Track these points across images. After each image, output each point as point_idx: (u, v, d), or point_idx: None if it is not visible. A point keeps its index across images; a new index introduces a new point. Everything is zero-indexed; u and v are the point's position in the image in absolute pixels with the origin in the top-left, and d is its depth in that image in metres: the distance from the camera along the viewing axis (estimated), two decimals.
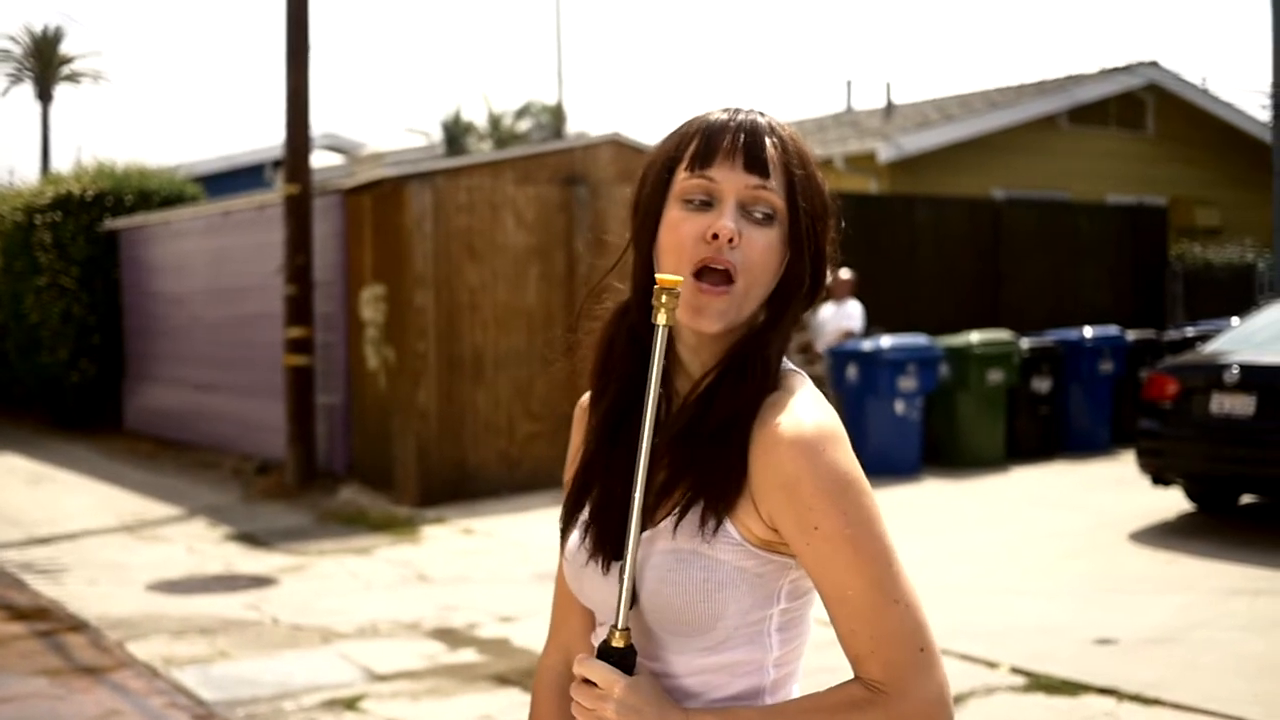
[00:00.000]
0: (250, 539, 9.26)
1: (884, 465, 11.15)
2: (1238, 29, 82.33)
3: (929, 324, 12.65)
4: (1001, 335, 11.88)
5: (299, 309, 11.14)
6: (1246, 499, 9.38)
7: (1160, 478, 9.14)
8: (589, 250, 10.57)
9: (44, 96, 41.36)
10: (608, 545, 1.50)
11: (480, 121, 38.03)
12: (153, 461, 13.25)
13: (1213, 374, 8.68)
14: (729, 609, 1.44)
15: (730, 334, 1.50)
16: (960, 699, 5.34)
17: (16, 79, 41.78)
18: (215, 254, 13.64)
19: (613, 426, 1.55)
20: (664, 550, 1.46)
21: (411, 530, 9.34)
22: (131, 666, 6.10)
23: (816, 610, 1.53)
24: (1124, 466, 10.73)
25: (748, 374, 1.47)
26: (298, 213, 11.10)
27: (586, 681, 1.44)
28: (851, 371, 11.31)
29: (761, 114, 1.54)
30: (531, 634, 6.41)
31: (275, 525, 9.77)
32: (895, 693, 1.40)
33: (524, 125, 37.63)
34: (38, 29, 41.24)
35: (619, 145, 11.33)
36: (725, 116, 1.52)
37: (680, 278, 1.43)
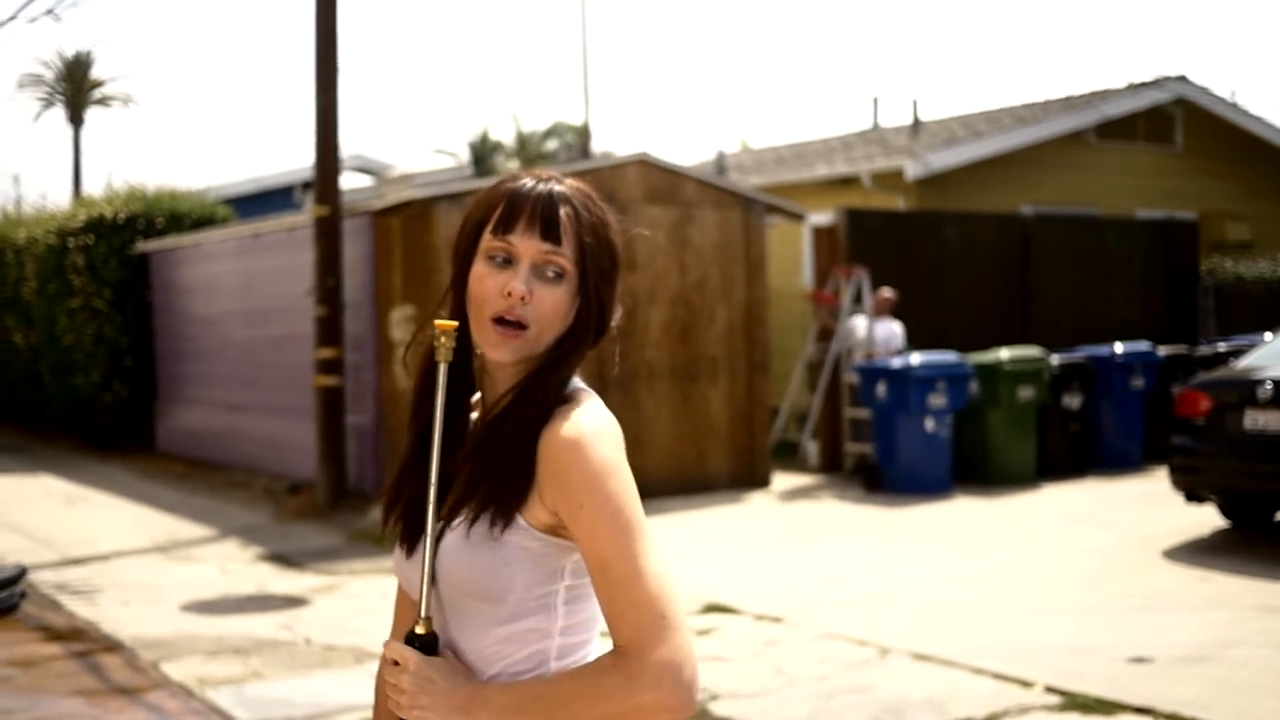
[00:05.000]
0: (282, 559, 9.30)
1: (914, 483, 11.12)
2: (1266, 42, 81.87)
3: (958, 341, 12.61)
4: (1032, 351, 11.82)
5: (329, 330, 11.20)
6: None
7: (1194, 494, 9.07)
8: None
9: (75, 120, 41.80)
10: (412, 536, 1.80)
11: (508, 141, 38.19)
12: (185, 482, 13.33)
13: (1246, 389, 8.62)
14: (515, 582, 1.70)
15: (525, 365, 1.77)
16: (994, 719, 5.32)
17: (48, 103, 42.24)
18: (245, 276, 13.73)
19: (425, 439, 1.81)
20: (459, 542, 1.72)
21: None
22: (166, 687, 6.14)
23: None
24: (1157, 483, 10.67)
25: (532, 398, 1.72)
26: (327, 234, 11.17)
27: (396, 663, 1.73)
28: (881, 389, 11.28)
29: (560, 183, 1.78)
30: None
31: (307, 545, 9.81)
32: (635, 654, 1.59)
33: (551, 145, 37.78)
34: (69, 54, 41.68)
35: (646, 165, 11.36)
36: (528, 186, 1.77)
37: (455, 323, 1.75)
